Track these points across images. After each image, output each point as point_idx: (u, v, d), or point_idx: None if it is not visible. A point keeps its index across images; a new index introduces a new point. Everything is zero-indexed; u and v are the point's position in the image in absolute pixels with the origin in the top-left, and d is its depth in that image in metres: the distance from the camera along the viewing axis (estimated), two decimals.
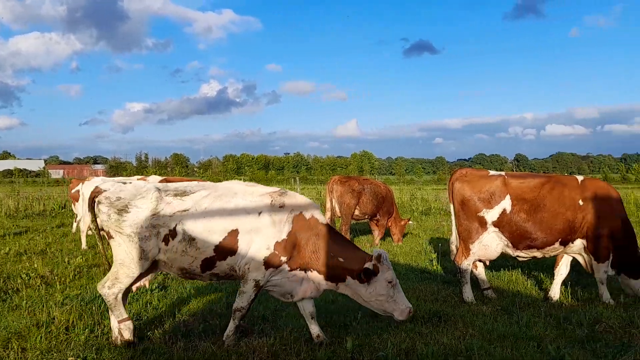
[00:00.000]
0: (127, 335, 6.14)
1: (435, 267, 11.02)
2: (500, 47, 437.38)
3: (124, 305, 6.19)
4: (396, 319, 6.20)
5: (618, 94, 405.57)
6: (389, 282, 6.12)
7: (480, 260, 8.83)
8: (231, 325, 6.30)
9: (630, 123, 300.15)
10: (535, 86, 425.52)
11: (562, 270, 8.67)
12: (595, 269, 8.27)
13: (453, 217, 8.82)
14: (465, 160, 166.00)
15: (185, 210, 6.05)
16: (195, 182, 6.56)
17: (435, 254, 11.85)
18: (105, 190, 6.12)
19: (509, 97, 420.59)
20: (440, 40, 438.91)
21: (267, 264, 6.11)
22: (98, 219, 6.17)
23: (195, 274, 6.23)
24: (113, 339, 6.16)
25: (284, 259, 6.16)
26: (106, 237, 6.22)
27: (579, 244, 8.31)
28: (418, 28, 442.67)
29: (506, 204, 8.28)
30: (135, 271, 6.04)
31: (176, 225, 6.00)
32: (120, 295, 6.11)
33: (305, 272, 6.33)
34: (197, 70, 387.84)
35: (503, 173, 8.72)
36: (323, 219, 6.49)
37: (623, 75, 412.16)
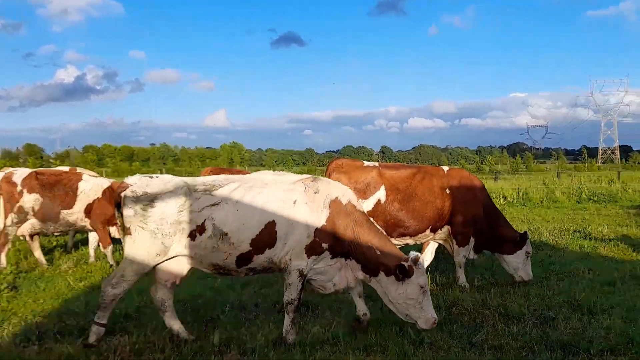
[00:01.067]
0: (92, 339, 5.86)
1: None
2: (365, 41, 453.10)
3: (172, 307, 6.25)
4: (419, 327, 6.04)
5: (473, 90, 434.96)
6: (421, 287, 5.95)
7: None
8: (287, 321, 6.10)
9: (484, 118, 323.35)
10: (399, 81, 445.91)
11: (427, 256, 9.10)
12: (456, 252, 8.75)
13: None
14: (333, 151, 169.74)
15: (214, 205, 5.82)
16: (224, 176, 6.23)
17: None
18: (131, 185, 5.87)
19: (374, 91, 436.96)
20: (308, 33, 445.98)
21: (309, 251, 5.97)
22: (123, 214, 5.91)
23: (230, 270, 6.04)
24: None
25: (325, 245, 6.01)
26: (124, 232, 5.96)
27: (445, 230, 8.78)
28: (286, 19, 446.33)
29: (381, 194, 8.50)
30: (145, 268, 5.87)
31: (205, 221, 5.77)
32: (118, 299, 5.93)
33: (346, 259, 6.22)
34: (52, 55, 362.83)
35: (377, 164, 8.97)
36: (360, 205, 6.37)
37: (476, 72, 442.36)
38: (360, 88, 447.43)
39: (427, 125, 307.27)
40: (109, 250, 10.25)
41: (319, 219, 5.98)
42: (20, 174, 10.42)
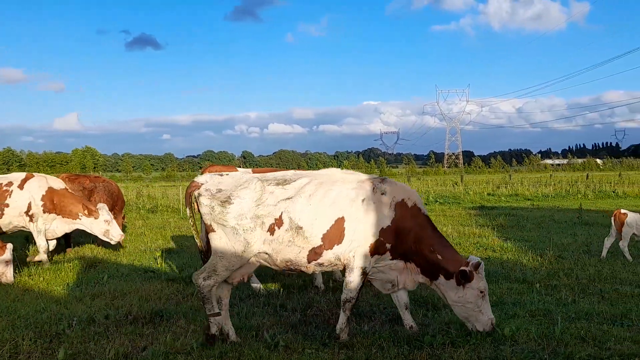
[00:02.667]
0: (213, 330, 6.05)
1: (159, 265, 10.81)
2: (223, 46, 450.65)
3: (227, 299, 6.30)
4: (476, 329, 6.12)
5: (329, 97, 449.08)
6: (481, 292, 6.01)
7: None
8: (342, 318, 6.19)
9: (340, 124, 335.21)
10: (258, 86, 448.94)
11: None
12: None
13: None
14: (194, 156, 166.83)
15: (289, 199, 5.98)
16: (292, 171, 6.49)
17: (160, 252, 11.63)
18: (203, 183, 6.08)
19: (234, 96, 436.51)
20: (164, 36, 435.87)
21: (373, 251, 6.04)
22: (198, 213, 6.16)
23: (300, 265, 6.09)
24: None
25: (388, 245, 6.08)
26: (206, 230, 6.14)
27: None
28: (140, 21, 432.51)
29: None
30: (235, 264, 6.03)
31: (282, 214, 5.94)
32: (214, 289, 6.08)
33: (406, 262, 6.24)
34: None
35: (250, 170, 8.98)
36: (424, 209, 6.34)
37: (332, 80, 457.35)
38: (220, 93, 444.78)
39: (287, 130, 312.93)
40: None
41: (385, 219, 6.05)
42: None
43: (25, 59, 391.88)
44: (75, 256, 11.83)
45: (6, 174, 12.11)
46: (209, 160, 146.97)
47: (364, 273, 6.12)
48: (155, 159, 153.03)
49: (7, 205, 10.87)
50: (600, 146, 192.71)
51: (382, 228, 6.06)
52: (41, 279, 9.51)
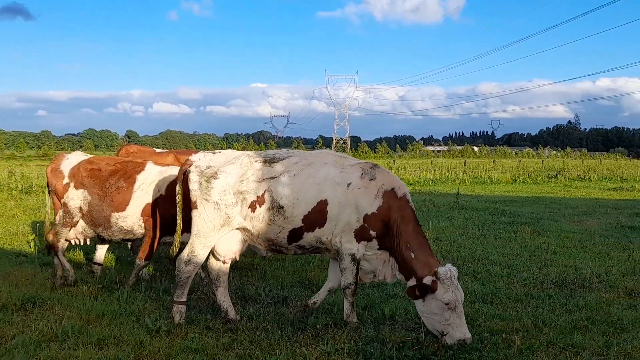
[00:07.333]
0: (177, 318, 6.06)
1: (33, 249, 10.19)
2: (99, 20, 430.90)
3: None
4: (447, 342, 5.49)
5: (217, 78, 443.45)
6: (446, 304, 5.51)
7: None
8: (346, 305, 6.19)
9: (228, 105, 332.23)
10: (141, 64, 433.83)
11: None
12: None
13: None
14: (74, 135, 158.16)
15: (274, 177, 5.93)
16: (285, 150, 6.37)
17: (33, 235, 10.96)
18: (195, 161, 6.12)
19: (115, 73, 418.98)
20: (36, 6, 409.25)
21: (358, 236, 5.98)
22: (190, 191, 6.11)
23: (281, 246, 6.13)
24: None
25: (373, 233, 5.99)
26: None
27: None
28: None
29: None
30: (211, 239, 6.04)
31: (264, 192, 5.91)
32: (193, 276, 6.13)
33: (390, 255, 6.10)
34: None
35: (167, 150, 9.05)
36: (411, 202, 6.14)
37: (220, 61, 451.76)
38: (100, 69, 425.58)
39: (173, 110, 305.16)
40: None
41: (371, 206, 5.93)
42: None
43: None
44: None
45: None
46: (90, 139, 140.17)
47: (354, 259, 6.05)
48: (31, 137, 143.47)
49: None
50: (477, 135, 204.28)
51: (367, 214, 5.96)
52: None
